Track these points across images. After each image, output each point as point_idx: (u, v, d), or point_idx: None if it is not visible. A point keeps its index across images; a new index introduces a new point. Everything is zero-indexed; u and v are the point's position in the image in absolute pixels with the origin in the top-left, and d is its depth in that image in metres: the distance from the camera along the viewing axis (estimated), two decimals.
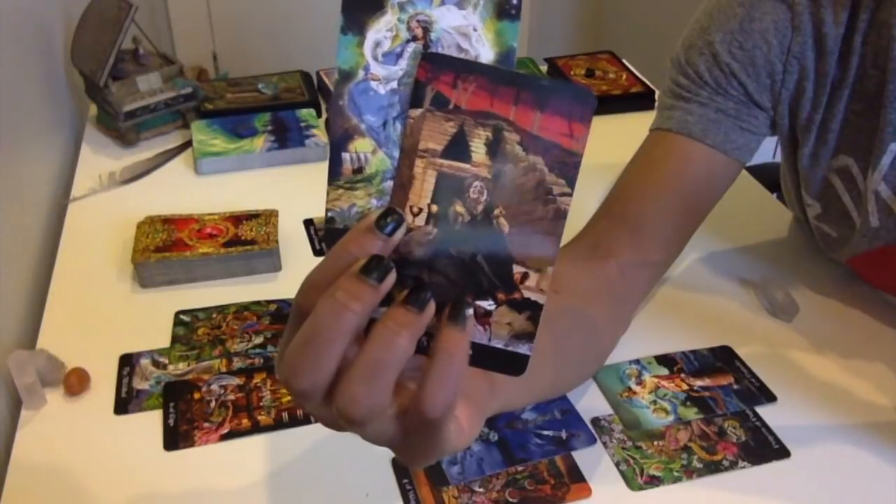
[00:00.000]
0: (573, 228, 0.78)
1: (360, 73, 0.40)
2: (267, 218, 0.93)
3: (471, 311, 0.40)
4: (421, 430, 0.40)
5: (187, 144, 1.14)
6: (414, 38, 0.40)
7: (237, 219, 0.93)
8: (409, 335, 0.38)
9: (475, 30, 0.40)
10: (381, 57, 0.40)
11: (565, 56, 1.38)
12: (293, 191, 1.04)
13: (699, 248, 0.93)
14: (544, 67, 1.38)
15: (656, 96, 1.25)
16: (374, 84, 0.40)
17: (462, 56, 0.40)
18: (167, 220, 0.92)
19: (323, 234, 0.44)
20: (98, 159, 1.12)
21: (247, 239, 0.89)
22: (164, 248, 0.87)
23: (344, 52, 0.40)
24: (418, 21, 0.40)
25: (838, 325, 0.83)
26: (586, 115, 0.37)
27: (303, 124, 1.16)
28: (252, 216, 0.93)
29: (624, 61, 1.37)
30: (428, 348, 0.40)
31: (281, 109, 1.20)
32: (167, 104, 1.16)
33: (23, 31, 1.07)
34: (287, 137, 1.13)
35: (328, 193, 0.41)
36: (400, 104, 0.41)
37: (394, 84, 0.41)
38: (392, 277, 0.38)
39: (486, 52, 0.40)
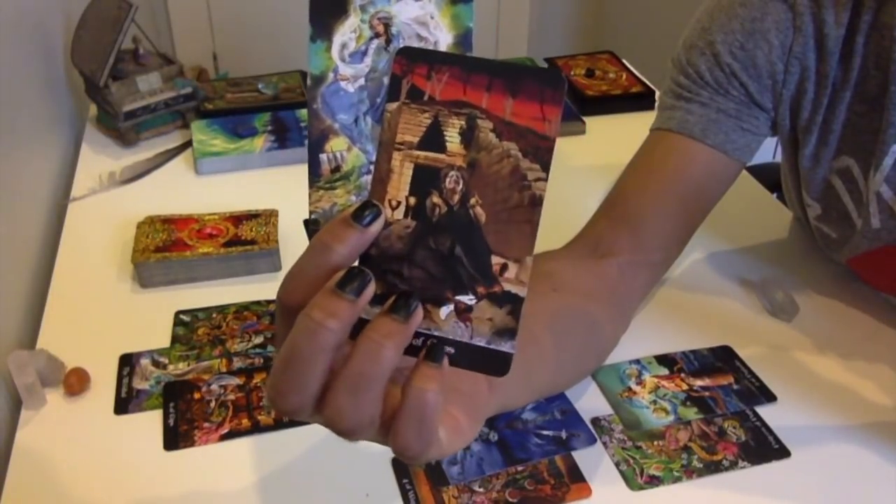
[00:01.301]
0: (573, 229, 0.78)
1: (330, 76, 0.41)
2: (267, 218, 0.93)
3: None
4: (405, 457, 0.41)
5: (187, 144, 1.14)
6: (376, 35, 0.41)
7: (237, 219, 0.93)
8: (395, 346, 0.37)
9: (432, 17, 0.41)
10: (347, 57, 0.41)
11: (565, 56, 1.38)
12: (293, 191, 1.03)
13: (699, 248, 0.93)
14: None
15: (656, 96, 1.25)
16: (343, 84, 0.41)
17: (422, 44, 0.41)
18: (167, 220, 0.92)
19: (311, 237, 0.44)
20: (98, 159, 1.12)
21: (247, 239, 0.89)
22: (164, 248, 0.87)
23: (314, 59, 0.41)
24: (379, 19, 0.41)
25: (838, 325, 0.83)
26: (558, 97, 0.37)
27: (303, 124, 1.16)
28: (252, 216, 0.93)
29: (624, 61, 1.37)
30: (420, 347, 0.39)
31: (281, 109, 1.20)
32: (167, 104, 1.16)
33: (23, 31, 1.07)
34: (287, 137, 1.13)
35: (310, 196, 0.42)
36: (368, 99, 0.41)
37: (361, 81, 0.41)
38: (371, 289, 0.37)
39: (444, 37, 0.41)
